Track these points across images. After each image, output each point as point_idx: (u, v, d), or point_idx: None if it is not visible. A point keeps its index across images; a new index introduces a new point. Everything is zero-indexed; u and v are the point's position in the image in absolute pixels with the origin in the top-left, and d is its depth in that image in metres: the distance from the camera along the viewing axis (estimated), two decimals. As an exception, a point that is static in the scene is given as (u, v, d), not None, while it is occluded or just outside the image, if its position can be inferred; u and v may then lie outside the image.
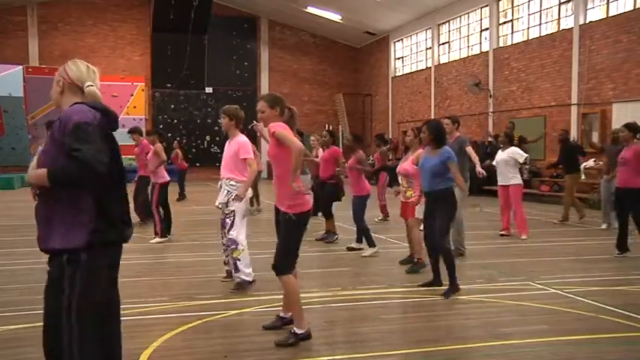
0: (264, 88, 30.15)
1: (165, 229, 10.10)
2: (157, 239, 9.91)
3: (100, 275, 2.82)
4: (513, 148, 10.70)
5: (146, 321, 5.46)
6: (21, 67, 24.76)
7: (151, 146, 10.46)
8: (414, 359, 4.58)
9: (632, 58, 15.39)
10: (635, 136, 8.64)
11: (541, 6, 19.23)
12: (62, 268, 2.74)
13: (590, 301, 6.09)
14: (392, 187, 13.09)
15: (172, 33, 26.58)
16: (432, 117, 22.84)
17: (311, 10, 27.61)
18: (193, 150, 29.06)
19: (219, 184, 6.65)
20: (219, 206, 6.61)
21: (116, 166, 2.87)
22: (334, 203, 10.15)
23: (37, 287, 4.36)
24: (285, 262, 4.78)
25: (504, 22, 21.07)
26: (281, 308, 5.27)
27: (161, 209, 10.16)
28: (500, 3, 21.14)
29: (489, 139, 19.48)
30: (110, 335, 2.93)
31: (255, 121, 5.65)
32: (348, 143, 10.15)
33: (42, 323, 2.88)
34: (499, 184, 10.80)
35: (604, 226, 11.52)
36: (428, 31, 25.63)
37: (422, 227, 8.03)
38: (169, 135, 26.94)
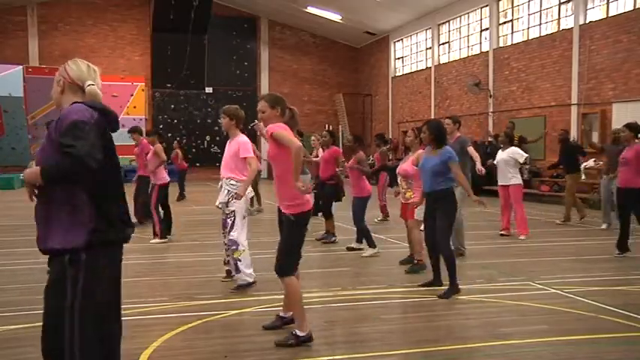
0: (264, 88, 30.16)
1: (165, 230, 10.09)
2: (157, 240, 9.91)
3: (101, 275, 2.82)
4: (513, 148, 10.71)
5: (146, 321, 5.46)
6: (21, 67, 24.77)
7: (151, 147, 10.45)
8: (414, 359, 4.58)
9: (632, 58, 15.39)
10: (637, 136, 8.64)
11: (541, 6, 19.23)
12: (64, 268, 2.73)
13: (590, 301, 6.09)
14: (392, 188, 13.11)
15: (172, 33, 26.58)
16: (432, 117, 22.84)
17: (311, 10, 27.61)
18: (193, 150, 29.06)
19: (219, 184, 6.65)
20: (220, 206, 6.62)
21: (111, 164, 2.86)
22: (334, 203, 10.15)
23: (37, 287, 4.37)
24: (286, 263, 4.77)
25: (504, 22, 21.07)
26: (281, 308, 5.27)
27: (160, 210, 10.16)
28: (500, 3, 21.14)
29: (489, 139, 19.49)
30: (110, 335, 2.93)
31: (256, 121, 5.65)
32: (349, 144, 10.15)
33: (41, 323, 2.88)
34: (499, 184, 10.81)
35: (604, 226, 11.52)
36: (428, 31, 25.63)
37: (422, 227, 8.04)
38: (169, 135, 26.94)
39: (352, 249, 9.13)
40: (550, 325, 5.37)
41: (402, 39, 27.95)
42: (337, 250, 9.36)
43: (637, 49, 15.25)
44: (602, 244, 9.74)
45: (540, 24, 19.26)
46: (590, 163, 15.57)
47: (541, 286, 6.80)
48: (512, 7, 20.59)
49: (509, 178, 10.52)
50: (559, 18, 18.44)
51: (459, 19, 23.67)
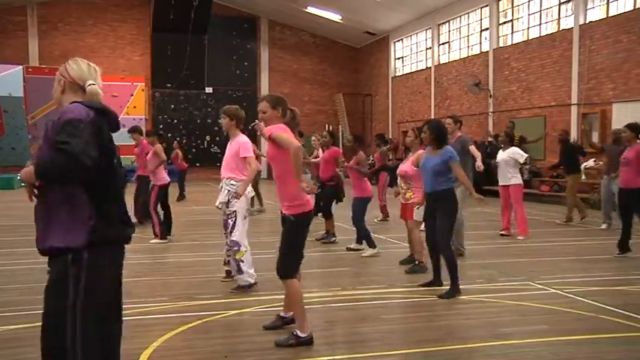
0: (264, 88, 30.16)
1: (165, 230, 10.08)
2: (157, 240, 9.90)
3: (103, 274, 2.81)
4: (514, 148, 10.70)
5: (146, 321, 5.46)
6: (21, 67, 24.76)
7: (151, 147, 10.45)
8: (414, 359, 4.58)
9: (632, 58, 15.39)
10: (638, 136, 8.64)
11: (541, 6, 19.23)
12: (65, 268, 2.72)
13: (590, 301, 6.09)
14: (392, 188, 13.10)
15: (172, 33, 26.58)
16: (432, 117, 22.84)
17: (311, 10, 27.61)
18: (193, 150, 29.06)
19: (220, 184, 6.65)
20: (219, 206, 6.62)
21: (110, 164, 2.85)
22: (334, 204, 10.14)
23: (37, 287, 4.36)
24: (287, 264, 4.76)
25: (504, 22, 21.07)
26: (282, 308, 5.27)
27: (160, 210, 10.15)
28: (500, 3, 21.14)
29: (489, 139, 19.49)
30: (110, 335, 2.93)
31: (257, 121, 5.65)
32: (349, 144, 10.14)
33: (41, 323, 2.88)
34: (500, 184, 10.81)
35: (604, 226, 11.52)
36: (428, 31, 25.63)
37: (422, 227, 8.04)
38: (169, 135, 26.96)
39: (352, 250, 9.13)
40: (550, 325, 5.37)
41: (402, 39, 27.95)
42: (337, 250, 9.36)
43: (637, 49, 15.25)
44: (602, 244, 9.74)
45: (540, 24, 19.27)
46: (590, 163, 15.57)
47: (541, 286, 6.80)
48: (512, 7, 20.59)
49: (509, 178, 10.52)
50: (559, 18, 18.44)
51: (459, 19, 23.67)
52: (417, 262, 7.66)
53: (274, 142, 4.72)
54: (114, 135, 2.96)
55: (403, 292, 6.70)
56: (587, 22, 17.01)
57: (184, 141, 27.21)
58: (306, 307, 4.90)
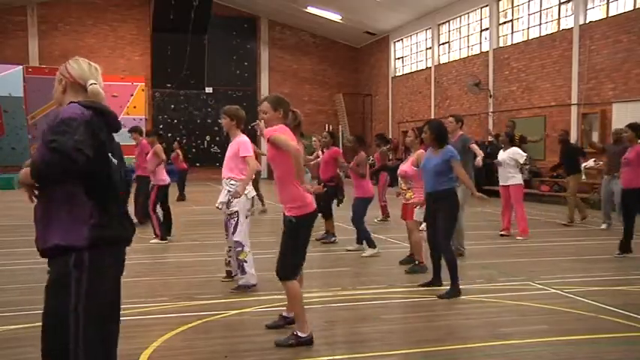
0: (264, 88, 30.17)
1: (165, 231, 10.08)
2: (157, 240, 9.90)
3: (105, 275, 2.81)
4: (514, 148, 10.68)
5: (146, 321, 5.46)
6: (21, 67, 24.75)
7: (150, 147, 10.45)
8: (414, 359, 4.58)
9: (632, 58, 15.39)
10: (639, 136, 8.64)
11: (541, 6, 19.23)
12: (67, 268, 2.72)
13: (590, 301, 6.09)
14: (393, 188, 13.08)
15: (172, 33, 26.57)
16: (432, 117, 22.84)
17: (311, 10, 27.61)
18: (193, 150, 29.05)
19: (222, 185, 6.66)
20: (220, 207, 6.62)
21: (110, 164, 2.83)
22: (334, 205, 10.13)
23: (37, 287, 4.36)
24: (287, 266, 4.75)
25: (504, 22, 21.07)
26: (284, 308, 5.27)
27: (160, 211, 10.15)
28: (500, 3, 21.14)
29: (489, 138, 19.46)
30: (110, 335, 2.93)
31: (257, 121, 5.65)
32: (349, 144, 10.14)
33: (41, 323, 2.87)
34: (500, 184, 10.81)
35: (604, 226, 11.51)
36: (428, 31, 25.63)
37: (422, 227, 8.03)
38: (169, 135, 26.94)
39: (352, 251, 9.11)
40: (550, 325, 5.37)
41: (402, 39, 27.94)
42: (337, 250, 9.36)
43: (637, 49, 15.25)
44: (602, 244, 9.74)
45: (540, 24, 19.26)
46: (590, 163, 15.57)
47: (541, 286, 6.80)
48: (512, 7, 20.59)
49: (510, 178, 10.51)
50: (559, 18, 18.44)
51: (459, 19, 23.67)
52: (416, 262, 7.66)
53: (273, 144, 4.71)
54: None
55: (403, 292, 6.70)
56: (587, 22, 17.01)
57: (184, 141, 27.19)
58: (306, 307, 4.90)
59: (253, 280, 6.53)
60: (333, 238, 9.97)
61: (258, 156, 11.52)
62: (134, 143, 11.42)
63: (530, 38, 19.54)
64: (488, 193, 12.72)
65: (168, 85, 28.53)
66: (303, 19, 29.36)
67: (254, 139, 6.98)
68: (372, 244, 8.76)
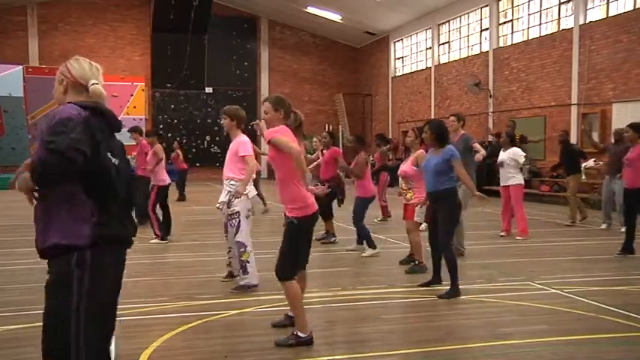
0: (264, 88, 30.18)
1: (164, 231, 10.07)
2: (157, 240, 9.90)
3: (106, 274, 2.81)
4: (514, 148, 10.67)
5: (146, 321, 5.47)
6: (21, 67, 24.75)
7: (150, 147, 10.45)
8: (414, 359, 4.58)
9: (632, 58, 15.39)
10: None
11: (541, 6, 19.23)
12: (68, 268, 2.71)
13: (590, 301, 6.09)
14: (393, 188, 13.07)
15: (172, 33, 26.56)
16: (432, 117, 22.84)
17: (311, 10, 27.60)
18: (193, 150, 29.05)
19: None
20: (220, 207, 6.61)
21: (110, 164, 2.83)
22: (335, 206, 10.12)
23: (37, 287, 4.36)
24: (286, 266, 4.75)
25: (504, 22, 21.07)
26: (288, 308, 5.25)
27: (159, 211, 10.14)
28: (500, 3, 21.14)
29: (489, 138, 19.46)
30: (109, 334, 2.94)
31: (257, 120, 5.65)
32: (351, 144, 10.13)
33: (42, 323, 2.87)
34: (501, 184, 10.79)
35: (604, 226, 11.51)
36: (428, 31, 25.63)
37: (422, 227, 8.03)
38: (169, 135, 26.95)
39: (351, 250, 9.10)
40: (550, 325, 5.37)
41: (402, 39, 27.94)
42: (337, 250, 9.36)
43: (637, 49, 15.25)
44: (602, 244, 9.74)
45: (540, 24, 19.26)
46: (590, 163, 15.56)
47: (541, 286, 6.80)
48: (512, 7, 20.58)
49: (510, 178, 10.50)
50: (559, 18, 18.44)
51: (459, 19, 23.67)
52: (416, 262, 7.65)
53: (274, 146, 4.71)
54: None
55: (403, 292, 6.70)
56: (587, 22, 17.01)
57: (184, 141, 27.19)
58: (306, 307, 4.90)
59: (255, 280, 6.53)
60: (333, 238, 9.97)
61: (258, 156, 11.51)
62: (134, 143, 11.42)
63: (530, 38, 19.54)
64: (489, 193, 12.76)
65: (168, 85, 28.53)
66: (303, 19, 29.36)
67: (254, 139, 6.97)
68: (372, 244, 8.75)
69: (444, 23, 24.53)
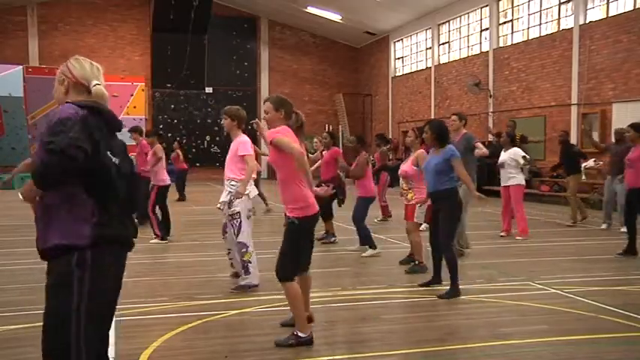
0: (264, 88, 30.18)
1: (164, 231, 10.06)
2: (157, 240, 9.90)
3: (106, 274, 2.80)
4: (515, 149, 10.66)
5: (146, 321, 5.46)
6: (21, 67, 24.72)
7: (150, 147, 10.45)
8: (414, 359, 4.58)
9: (632, 58, 15.39)
10: None
11: (541, 6, 19.23)
12: (69, 269, 2.71)
13: (590, 301, 6.09)
14: (393, 188, 13.06)
15: (172, 33, 26.56)
16: (432, 117, 22.85)
17: (311, 10, 27.60)
18: (193, 150, 29.06)
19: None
20: (221, 207, 6.61)
21: (110, 164, 2.82)
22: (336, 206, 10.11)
23: (37, 287, 4.36)
24: (286, 266, 4.74)
25: (504, 22, 21.07)
26: (283, 307, 5.26)
27: (158, 211, 10.13)
28: (500, 3, 21.14)
29: (489, 138, 19.45)
30: (107, 334, 2.95)
31: (257, 119, 5.64)
32: (352, 144, 10.13)
33: (42, 323, 2.87)
34: (501, 184, 10.78)
35: (604, 226, 11.51)
36: (428, 31, 25.63)
37: (422, 228, 8.03)
38: (169, 135, 26.96)
39: (354, 251, 9.07)
40: (550, 325, 5.37)
41: (402, 39, 27.94)
42: (337, 250, 9.36)
43: (637, 49, 15.25)
44: (602, 244, 9.74)
45: (540, 24, 19.26)
46: (590, 163, 15.56)
47: (541, 286, 6.80)
48: (512, 7, 20.59)
49: (511, 178, 10.49)
50: (559, 18, 18.44)
51: (459, 19, 23.67)
52: (416, 262, 7.65)
53: (276, 146, 4.71)
54: None
55: (403, 292, 6.70)
56: (587, 22, 17.01)
57: (184, 141, 27.20)
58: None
59: (256, 280, 6.53)
60: (333, 238, 9.97)
61: (258, 156, 11.51)
62: (134, 143, 11.42)
63: (530, 38, 19.54)
64: (489, 193, 12.77)
65: (169, 85, 28.53)
66: (303, 19, 29.36)
67: (255, 139, 6.96)
68: (372, 245, 8.75)
69: (444, 23, 24.53)
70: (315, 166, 10.67)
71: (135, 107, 27.03)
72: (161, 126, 28.29)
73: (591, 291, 6.56)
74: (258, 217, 12.98)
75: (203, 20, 26.05)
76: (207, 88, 29.15)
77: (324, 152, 10.50)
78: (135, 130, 11.36)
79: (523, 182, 10.69)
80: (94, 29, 28.48)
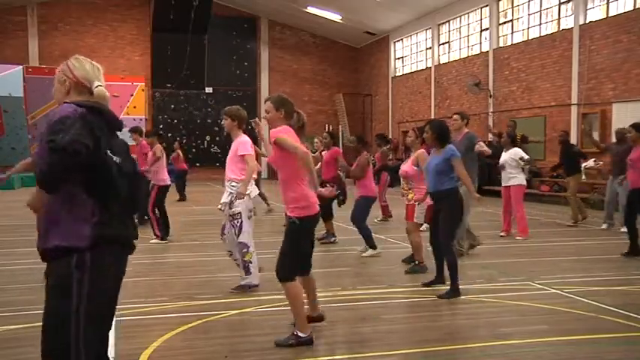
0: (264, 88, 30.18)
1: (164, 232, 10.05)
2: (157, 240, 9.90)
3: (106, 274, 2.80)
4: (516, 149, 10.65)
5: (146, 321, 5.46)
6: (21, 67, 24.76)
7: (149, 147, 10.44)
8: (414, 359, 4.58)
9: (632, 58, 15.39)
10: None
11: (541, 6, 19.23)
12: (69, 270, 2.71)
13: (590, 301, 6.09)
14: (393, 188, 13.05)
15: (172, 33, 26.57)
16: (432, 117, 22.85)
17: (311, 10, 27.61)
18: (193, 150, 29.06)
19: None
20: (222, 208, 6.61)
21: (111, 163, 2.82)
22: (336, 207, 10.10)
23: (37, 287, 4.36)
24: (287, 267, 4.74)
25: (504, 22, 21.07)
26: (288, 308, 5.23)
27: (157, 211, 10.12)
28: (500, 3, 21.14)
29: (489, 137, 19.43)
30: (107, 334, 2.94)
31: (256, 118, 5.64)
32: (353, 145, 10.12)
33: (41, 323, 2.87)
34: (502, 184, 10.78)
35: (604, 226, 11.51)
36: (428, 31, 25.63)
37: (422, 228, 8.03)
38: (169, 135, 26.96)
39: (365, 256, 8.97)
40: (550, 325, 5.37)
41: (402, 39, 27.94)
42: (337, 250, 9.36)
43: (637, 49, 15.25)
44: (602, 244, 9.74)
45: (540, 24, 19.27)
46: (590, 163, 15.56)
47: (541, 286, 6.79)
48: (512, 7, 20.59)
49: (511, 178, 10.48)
50: (559, 18, 18.45)
51: (459, 19, 23.67)
52: (416, 262, 7.65)
53: (279, 146, 4.70)
54: None
55: (403, 292, 6.70)
56: (587, 22, 17.01)
57: (184, 141, 27.21)
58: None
59: (256, 280, 6.53)
60: (333, 238, 9.97)
61: (258, 156, 11.51)
62: (134, 144, 11.41)
63: (530, 38, 19.55)
64: (489, 193, 12.78)
65: (168, 85, 28.53)
66: (303, 19, 29.36)
67: (255, 139, 6.94)
68: (372, 245, 8.74)
69: (444, 23, 24.53)
70: (317, 166, 10.67)
71: (135, 107, 27.04)
72: (161, 126, 28.30)
73: (591, 291, 6.56)
74: (259, 217, 12.98)
75: (203, 20, 26.06)
76: (207, 88, 29.15)
77: (323, 152, 10.50)
78: (135, 131, 11.37)
79: (524, 182, 10.68)
80: (94, 29, 28.48)
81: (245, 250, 6.44)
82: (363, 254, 8.72)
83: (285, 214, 4.91)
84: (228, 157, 6.63)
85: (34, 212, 2.82)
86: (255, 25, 30.59)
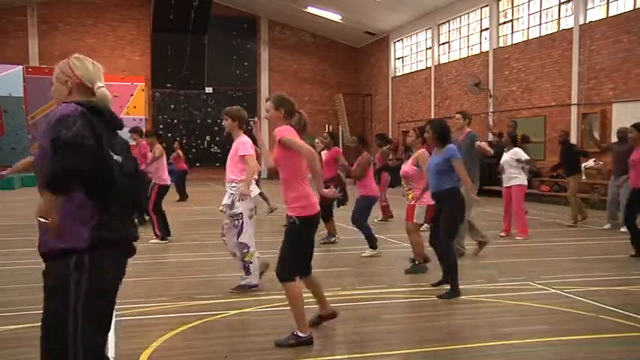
0: (264, 88, 30.18)
1: (164, 232, 10.05)
2: (157, 240, 9.90)
3: (104, 276, 2.80)
4: (516, 149, 10.64)
5: (146, 321, 5.46)
6: (21, 67, 24.75)
7: (149, 148, 10.44)
8: (414, 359, 4.58)
9: (632, 58, 15.39)
10: None
11: (541, 6, 19.23)
12: (67, 271, 2.71)
13: (590, 301, 6.09)
14: (394, 188, 13.05)
15: (172, 33, 26.58)
16: (432, 117, 22.85)
17: (311, 10, 27.61)
18: (193, 150, 29.06)
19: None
20: (223, 209, 6.60)
21: (111, 163, 2.81)
22: (334, 206, 10.09)
23: (37, 287, 4.36)
24: (287, 267, 4.74)
25: (504, 22, 21.07)
26: (288, 308, 5.23)
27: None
28: (500, 3, 21.14)
29: (490, 137, 19.45)
30: (106, 335, 2.95)
31: (255, 118, 5.63)
32: (353, 145, 10.12)
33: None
34: (504, 185, 10.77)
35: (607, 226, 11.50)
36: (428, 31, 25.63)
37: (422, 228, 8.02)
38: (169, 135, 26.96)
39: (370, 257, 8.95)
40: (550, 325, 5.37)
41: (402, 39, 27.95)
42: (337, 250, 9.36)
43: (637, 49, 15.25)
44: (603, 244, 9.74)
45: (540, 24, 19.27)
46: (590, 163, 15.57)
47: (541, 286, 6.79)
48: (512, 7, 20.59)
49: (512, 179, 10.47)
50: (559, 18, 18.45)
51: (459, 19, 23.68)
52: (416, 262, 7.65)
53: (284, 145, 4.70)
54: None
55: (403, 292, 6.70)
56: (587, 22, 17.01)
57: (184, 141, 27.20)
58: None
59: (255, 280, 6.53)
60: (334, 238, 9.97)
61: (258, 157, 11.50)
62: (134, 144, 11.41)
63: (530, 38, 19.55)
64: (490, 193, 12.78)
65: (169, 85, 28.54)
66: (303, 19, 29.36)
67: (255, 140, 6.92)
68: (373, 246, 8.73)
69: (444, 23, 24.53)
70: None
71: (135, 107, 27.05)
72: (161, 126, 28.30)
73: (591, 291, 6.56)
74: (260, 216, 12.94)
75: (203, 20, 26.07)
76: (207, 88, 29.16)
77: (322, 152, 10.50)
78: (135, 131, 11.38)
79: (525, 182, 10.66)
80: (94, 29, 28.49)
81: (245, 250, 6.44)
82: (363, 254, 8.71)
83: (286, 215, 4.91)
84: (228, 157, 6.63)
85: (50, 222, 2.66)
86: (255, 25, 30.59)
